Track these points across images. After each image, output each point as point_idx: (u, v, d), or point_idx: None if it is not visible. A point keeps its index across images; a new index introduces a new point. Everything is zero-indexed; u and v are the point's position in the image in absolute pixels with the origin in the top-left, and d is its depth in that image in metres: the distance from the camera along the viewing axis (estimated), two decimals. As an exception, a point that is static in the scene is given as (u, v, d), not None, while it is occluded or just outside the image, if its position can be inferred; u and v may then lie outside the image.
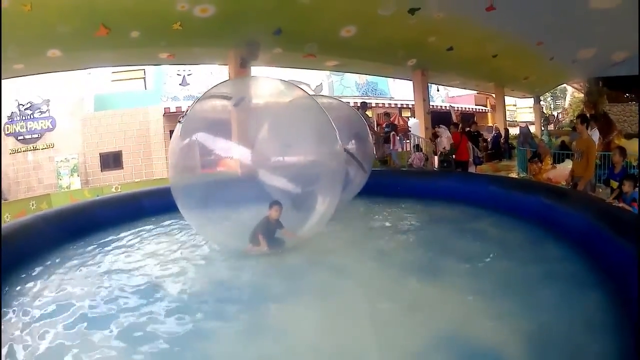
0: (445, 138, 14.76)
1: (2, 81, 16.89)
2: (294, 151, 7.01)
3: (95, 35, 12.06)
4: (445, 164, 13.63)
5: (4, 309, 4.83)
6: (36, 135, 22.24)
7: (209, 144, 6.72)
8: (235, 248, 6.86)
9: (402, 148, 18.33)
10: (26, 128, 22.17)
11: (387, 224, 8.57)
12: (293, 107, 7.11)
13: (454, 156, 13.54)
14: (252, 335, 4.21)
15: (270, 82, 8.10)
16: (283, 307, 4.78)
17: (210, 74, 24.57)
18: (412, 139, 19.50)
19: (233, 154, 6.79)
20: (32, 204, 13.28)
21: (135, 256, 6.92)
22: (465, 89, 32.24)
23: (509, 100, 33.46)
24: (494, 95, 30.68)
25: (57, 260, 6.84)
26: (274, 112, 7.41)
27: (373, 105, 28.68)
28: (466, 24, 14.22)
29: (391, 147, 17.04)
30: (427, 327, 4.11)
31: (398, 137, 17.40)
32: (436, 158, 15.88)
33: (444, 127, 15.79)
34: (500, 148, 23.65)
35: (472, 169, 14.13)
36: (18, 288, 5.71)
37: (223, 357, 3.95)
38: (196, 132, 6.61)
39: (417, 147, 16.97)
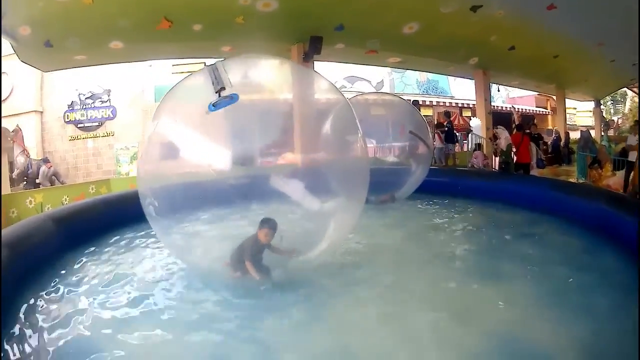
0: (504, 139, 14.49)
1: (64, 71, 17.42)
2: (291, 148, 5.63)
3: (157, 28, 12.31)
4: (504, 166, 13.37)
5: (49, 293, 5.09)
6: (96, 124, 22.78)
7: (191, 137, 5.09)
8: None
9: (460, 148, 18.05)
10: (86, 116, 22.72)
11: (444, 224, 8.42)
12: (305, 99, 5.67)
13: (514, 158, 13.26)
14: (306, 329, 4.22)
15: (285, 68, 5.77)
16: (338, 303, 4.77)
17: (271, 69, 24.65)
18: (473, 138, 19.20)
19: (218, 152, 5.16)
20: (92, 188, 13.55)
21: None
22: (525, 89, 31.46)
23: (569, 103, 32.53)
24: (554, 97, 29.89)
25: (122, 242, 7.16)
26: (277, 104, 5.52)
27: (434, 103, 28.40)
28: (527, 22, 14.04)
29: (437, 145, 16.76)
30: (483, 329, 4.06)
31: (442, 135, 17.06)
32: (496, 159, 15.59)
33: (502, 127, 15.50)
34: (560, 152, 23.02)
35: (534, 172, 13.80)
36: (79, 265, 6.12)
37: (278, 347, 3.95)
38: (176, 123, 5.15)
39: (479, 146, 16.61)
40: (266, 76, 5.45)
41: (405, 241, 7.21)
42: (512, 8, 13.00)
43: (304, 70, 5.84)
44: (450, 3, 12.48)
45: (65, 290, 5.19)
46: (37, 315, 4.48)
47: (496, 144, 14.93)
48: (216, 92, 4.45)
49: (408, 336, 4.02)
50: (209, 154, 4.98)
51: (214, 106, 4.42)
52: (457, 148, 17.36)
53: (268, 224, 5.02)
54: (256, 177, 5.35)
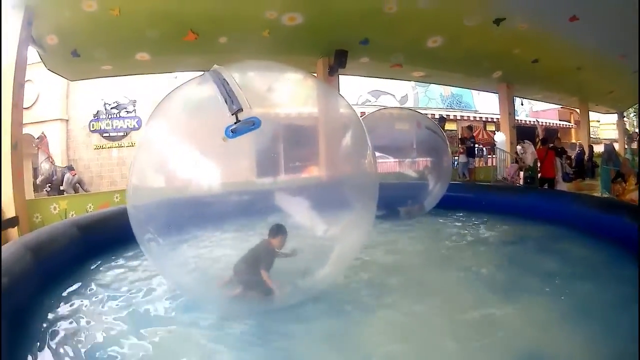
0: (530, 154, 14.44)
1: (90, 80, 17.69)
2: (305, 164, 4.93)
3: (183, 40, 12.43)
4: (529, 180, 13.31)
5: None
6: (122, 133, 23.06)
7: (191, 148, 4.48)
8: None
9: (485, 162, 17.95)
10: (112, 126, 23.02)
11: (468, 238, 8.37)
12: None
13: (539, 172, 13.22)
14: (335, 338, 4.26)
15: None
16: (363, 315, 4.79)
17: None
18: (498, 153, 19.13)
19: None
20: (116, 197, 13.68)
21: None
22: (549, 103, 31.11)
23: (592, 116, 32.34)
24: (578, 110, 29.66)
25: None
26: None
27: (458, 118, 28.35)
28: (550, 34, 14.02)
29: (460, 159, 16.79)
30: (505, 345, 4.04)
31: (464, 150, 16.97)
32: (521, 173, 15.53)
33: (528, 142, 15.44)
34: (584, 166, 22.84)
35: (561, 187, 13.73)
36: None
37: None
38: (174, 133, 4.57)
39: (517, 160, 16.51)
40: (271, 84, 4.90)
41: (427, 255, 7.24)
42: (535, 20, 12.96)
43: (306, 77, 5.20)
44: (473, 16, 12.49)
45: (88, 296, 5.23)
46: (59, 320, 4.52)
47: (521, 158, 14.89)
48: (232, 114, 3.80)
49: (429, 351, 4.04)
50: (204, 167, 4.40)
51: (233, 132, 3.80)
52: (481, 163, 17.23)
53: (282, 230, 4.67)
54: (257, 193, 4.69)
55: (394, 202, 9.77)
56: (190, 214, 4.42)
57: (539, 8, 12.13)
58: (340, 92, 15.35)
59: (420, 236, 8.44)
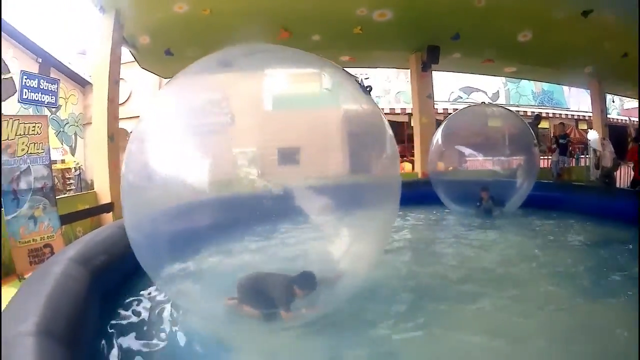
0: (609, 153, 14.05)
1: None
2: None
3: (277, 39, 12.89)
4: (607, 180, 12.94)
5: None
6: (219, 129, 23.78)
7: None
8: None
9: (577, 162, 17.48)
10: (210, 121, 23.79)
11: (554, 238, 8.27)
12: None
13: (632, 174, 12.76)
14: (419, 333, 4.32)
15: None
16: (448, 310, 4.85)
17: (387, 79, 25.32)
18: (591, 153, 18.65)
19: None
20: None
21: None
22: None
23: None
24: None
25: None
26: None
27: (550, 115, 27.77)
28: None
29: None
30: (597, 349, 3.98)
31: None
32: (597, 171, 15.13)
33: (608, 140, 15.02)
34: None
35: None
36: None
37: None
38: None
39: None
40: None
41: (511, 256, 7.17)
42: (623, 12, 12.53)
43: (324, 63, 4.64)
44: (561, 7, 12.36)
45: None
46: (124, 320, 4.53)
47: (598, 156, 14.47)
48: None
49: (520, 350, 4.03)
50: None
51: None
52: (571, 162, 16.84)
53: (311, 284, 4.21)
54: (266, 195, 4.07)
55: (476, 198, 10.13)
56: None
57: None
58: (432, 89, 15.56)
59: (499, 237, 8.43)
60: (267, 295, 4.23)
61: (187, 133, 4.13)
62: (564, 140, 16.22)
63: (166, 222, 3.99)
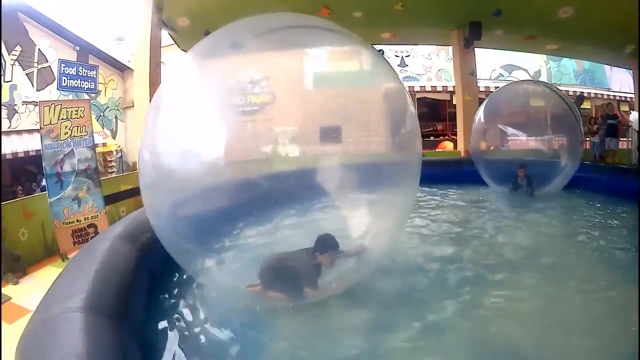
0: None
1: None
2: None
3: (317, 15, 12.75)
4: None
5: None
6: (255, 108, 23.99)
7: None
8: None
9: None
10: (246, 101, 24.01)
11: (602, 221, 8.05)
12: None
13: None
14: (452, 321, 4.26)
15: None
16: (490, 296, 4.76)
17: (428, 56, 25.10)
18: (633, 134, 18.12)
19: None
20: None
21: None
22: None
23: None
24: None
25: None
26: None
27: (592, 95, 27.15)
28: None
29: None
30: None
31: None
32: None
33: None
34: None
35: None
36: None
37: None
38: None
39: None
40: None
41: (561, 237, 7.13)
42: None
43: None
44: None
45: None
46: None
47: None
48: None
49: (564, 338, 3.95)
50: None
51: None
52: (623, 144, 16.37)
53: (332, 244, 4.16)
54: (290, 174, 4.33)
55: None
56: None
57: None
58: (475, 66, 15.39)
59: (552, 218, 8.33)
60: (292, 275, 4.17)
61: (228, 113, 4.28)
62: (614, 120, 15.67)
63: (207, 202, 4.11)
